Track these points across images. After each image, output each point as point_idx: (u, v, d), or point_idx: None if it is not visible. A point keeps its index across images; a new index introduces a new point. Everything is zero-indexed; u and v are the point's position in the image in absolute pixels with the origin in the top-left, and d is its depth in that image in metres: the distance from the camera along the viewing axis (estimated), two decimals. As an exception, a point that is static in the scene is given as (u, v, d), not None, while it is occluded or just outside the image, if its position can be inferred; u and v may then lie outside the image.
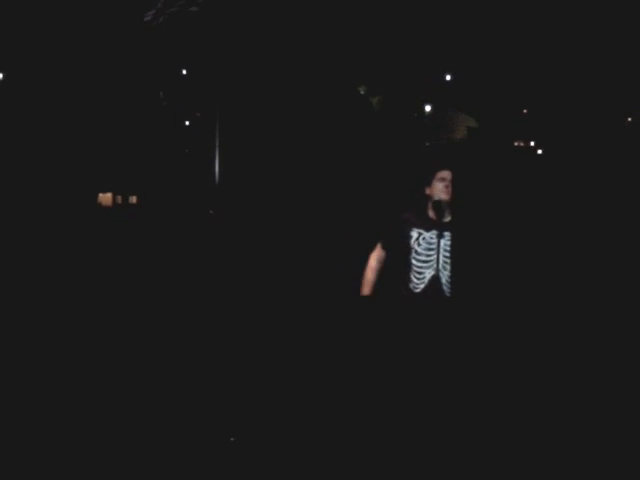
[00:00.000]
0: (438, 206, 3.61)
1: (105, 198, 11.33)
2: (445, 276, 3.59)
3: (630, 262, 9.10)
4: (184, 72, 11.33)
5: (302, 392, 4.22)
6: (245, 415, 3.93)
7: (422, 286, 3.61)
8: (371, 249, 3.89)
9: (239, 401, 4.14)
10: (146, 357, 5.15)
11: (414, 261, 3.62)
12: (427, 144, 12.67)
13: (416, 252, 3.62)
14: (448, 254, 3.60)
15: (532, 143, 14.38)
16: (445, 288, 3.58)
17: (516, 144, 14.17)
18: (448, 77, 13.42)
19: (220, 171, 9.89)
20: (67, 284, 7.66)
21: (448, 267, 3.60)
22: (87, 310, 6.71)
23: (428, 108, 13.28)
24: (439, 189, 3.62)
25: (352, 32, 11.02)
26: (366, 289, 3.82)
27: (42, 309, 6.61)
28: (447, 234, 3.60)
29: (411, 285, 3.62)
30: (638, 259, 9.10)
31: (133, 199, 11.35)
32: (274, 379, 4.49)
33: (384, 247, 3.80)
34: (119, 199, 11.29)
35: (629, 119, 14.00)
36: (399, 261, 3.69)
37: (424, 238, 3.63)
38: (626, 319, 6.18)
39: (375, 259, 3.83)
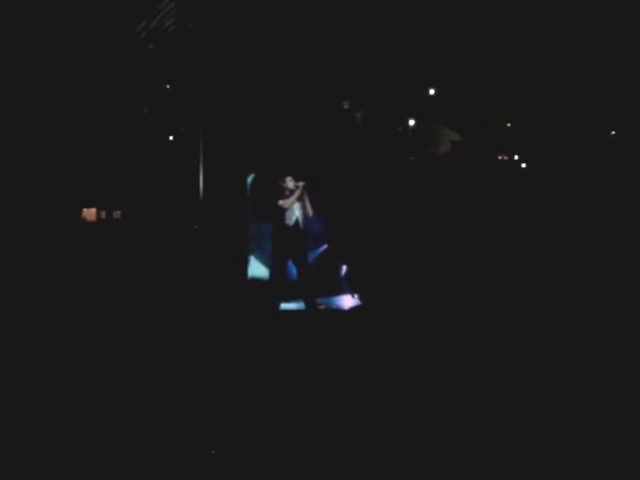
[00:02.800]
0: None
1: (89, 213, 11.25)
2: None
3: (609, 269, 9.17)
4: (168, 87, 11.34)
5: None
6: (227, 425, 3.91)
7: None
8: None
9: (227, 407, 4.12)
10: (135, 364, 5.12)
11: None
12: (410, 158, 12.71)
13: None
14: None
15: (516, 157, 14.48)
16: None
17: (500, 158, 14.26)
18: (432, 91, 13.51)
19: (204, 186, 9.90)
20: (54, 298, 7.61)
21: None
22: (74, 323, 6.67)
23: (412, 122, 13.36)
24: None
25: (335, 47, 11.09)
26: None
27: (29, 321, 6.57)
28: None
29: None
30: (619, 267, 9.17)
31: (117, 214, 11.28)
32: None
33: None
34: (103, 214, 11.21)
35: (612, 132, 14.13)
36: None
37: None
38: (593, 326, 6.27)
39: None
